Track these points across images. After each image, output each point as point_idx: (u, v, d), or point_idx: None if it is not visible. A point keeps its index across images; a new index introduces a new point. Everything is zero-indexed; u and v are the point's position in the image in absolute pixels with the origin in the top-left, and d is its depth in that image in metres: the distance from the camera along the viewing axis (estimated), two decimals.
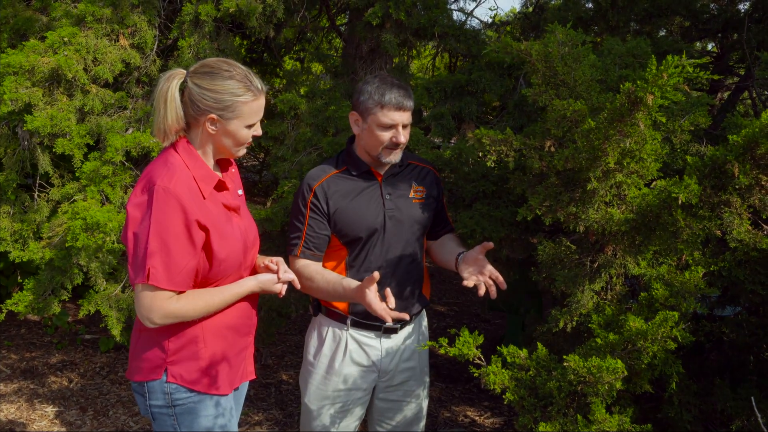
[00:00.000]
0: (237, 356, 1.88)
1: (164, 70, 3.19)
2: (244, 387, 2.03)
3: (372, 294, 1.84)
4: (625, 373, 1.59)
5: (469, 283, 1.95)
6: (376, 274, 1.83)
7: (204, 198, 1.71)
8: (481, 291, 1.93)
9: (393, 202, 2.12)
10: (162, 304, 1.64)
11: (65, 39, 2.68)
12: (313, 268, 2.09)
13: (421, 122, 3.24)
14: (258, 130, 1.78)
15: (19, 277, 4.22)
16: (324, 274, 2.06)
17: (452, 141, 3.14)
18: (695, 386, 2.17)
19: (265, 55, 5.52)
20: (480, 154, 2.18)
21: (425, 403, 2.35)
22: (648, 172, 1.96)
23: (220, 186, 1.78)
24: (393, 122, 2.02)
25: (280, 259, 1.87)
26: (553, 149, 2.05)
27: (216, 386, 1.80)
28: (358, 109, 2.08)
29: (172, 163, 1.68)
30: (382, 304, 1.83)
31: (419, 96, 3.08)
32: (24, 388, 3.60)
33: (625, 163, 1.88)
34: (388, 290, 1.84)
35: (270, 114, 3.69)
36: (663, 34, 3.72)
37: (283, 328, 4.48)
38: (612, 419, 1.60)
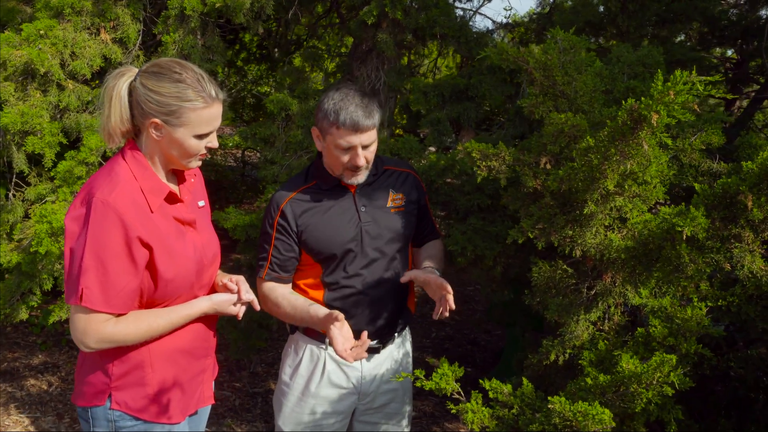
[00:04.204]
0: (191, 381, 1.72)
1: None
2: (204, 413, 1.87)
3: (336, 331, 1.69)
4: (613, 424, 1.42)
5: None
6: (340, 315, 1.69)
7: (152, 212, 1.55)
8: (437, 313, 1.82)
9: (369, 214, 1.95)
10: (98, 327, 1.49)
11: (41, 31, 2.54)
12: (279, 292, 1.94)
13: (417, 128, 3.07)
14: (213, 142, 1.60)
15: None
16: (290, 300, 1.91)
17: (450, 148, 2.97)
18: (697, 426, 1.99)
19: (276, 50, 5.38)
20: (471, 168, 2.01)
21: (408, 429, 2.20)
22: (652, 196, 1.77)
23: (172, 198, 1.62)
24: (349, 144, 1.82)
25: (241, 278, 1.71)
26: (549, 166, 1.87)
27: (167, 415, 1.65)
28: (317, 125, 1.90)
29: (116, 173, 1.53)
30: (345, 344, 1.68)
31: (415, 100, 2.92)
32: (2, 392, 3.49)
33: (626, 186, 1.70)
34: (365, 334, 1.69)
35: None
36: (681, 39, 3.52)
37: (274, 334, 4.33)
38: None
